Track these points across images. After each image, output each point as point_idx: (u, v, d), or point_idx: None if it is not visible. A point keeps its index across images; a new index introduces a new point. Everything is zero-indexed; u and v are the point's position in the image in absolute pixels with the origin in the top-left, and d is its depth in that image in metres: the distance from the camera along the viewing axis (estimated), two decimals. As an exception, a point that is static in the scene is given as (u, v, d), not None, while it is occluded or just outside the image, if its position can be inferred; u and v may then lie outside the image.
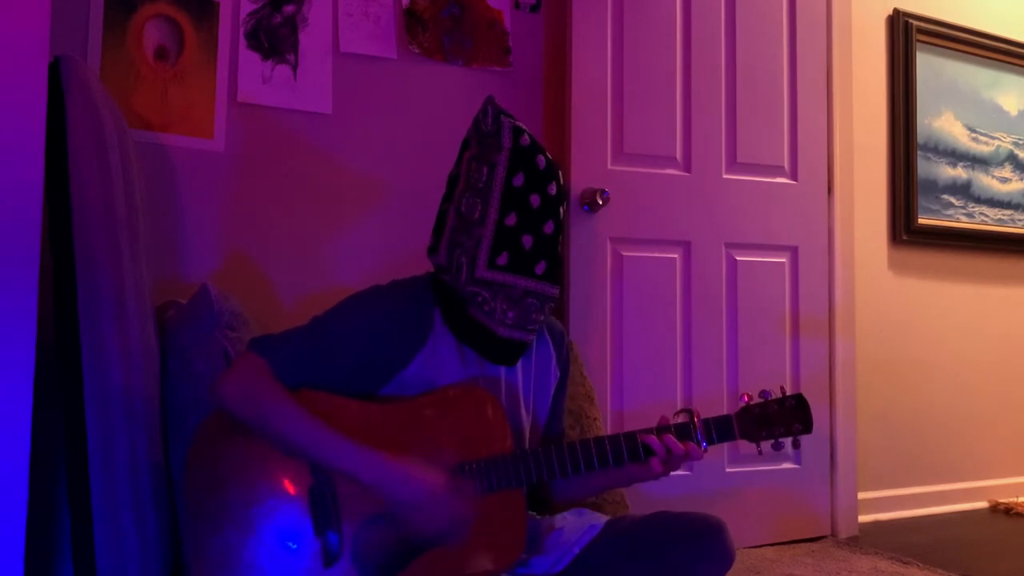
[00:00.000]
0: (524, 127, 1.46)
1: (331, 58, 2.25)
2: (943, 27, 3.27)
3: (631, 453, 1.39)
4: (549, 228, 1.43)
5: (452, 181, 1.50)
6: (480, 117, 1.46)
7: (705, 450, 1.42)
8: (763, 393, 1.46)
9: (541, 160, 1.43)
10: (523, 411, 1.50)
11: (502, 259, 1.40)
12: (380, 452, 1.30)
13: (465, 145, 1.50)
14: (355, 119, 2.28)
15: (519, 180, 1.41)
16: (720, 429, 1.43)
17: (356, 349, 1.38)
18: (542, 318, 1.46)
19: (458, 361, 1.43)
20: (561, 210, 1.47)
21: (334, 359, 1.37)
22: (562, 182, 1.47)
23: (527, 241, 1.41)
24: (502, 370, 1.47)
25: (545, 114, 2.51)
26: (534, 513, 1.55)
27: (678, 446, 1.38)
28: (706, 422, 1.42)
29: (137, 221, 1.61)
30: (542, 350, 1.56)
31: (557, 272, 1.45)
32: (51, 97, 1.36)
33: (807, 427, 1.44)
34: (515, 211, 1.40)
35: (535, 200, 1.42)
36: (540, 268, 1.42)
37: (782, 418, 1.44)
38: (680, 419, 1.43)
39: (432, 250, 1.48)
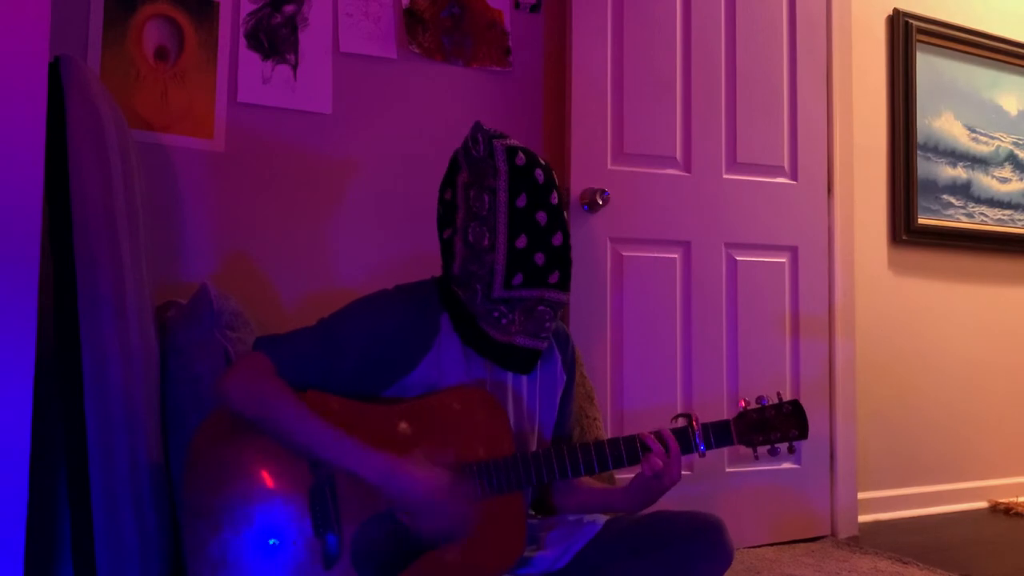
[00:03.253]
0: (516, 144, 1.44)
1: (331, 58, 2.25)
2: (943, 27, 3.27)
3: (630, 454, 1.40)
4: (558, 240, 1.43)
5: (449, 208, 1.47)
6: (470, 144, 1.44)
7: (703, 454, 1.43)
8: (760, 399, 1.47)
9: (539, 174, 1.43)
10: (527, 417, 1.50)
11: (517, 279, 1.40)
12: (383, 452, 1.30)
13: (454, 168, 1.47)
14: (355, 119, 2.28)
15: (522, 201, 1.41)
16: (718, 434, 1.43)
17: (360, 353, 1.38)
18: (553, 324, 1.46)
19: (463, 366, 1.44)
20: (565, 215, 1.46)
21: (338, 362, 1.38)
22: (558, 184, 1.47)
23: (539, 259, 1.41)
24: (509, 376, 1.48)
25: (545, 114, 2.51)
26: (534, 513, 1.55)
27: (674, 440, 1.40)
28: (704, 427, 1.43)
29: (137, 221, 1.61)
30: (546, 354, 1.55)
31: (569, 277, 1.46)
32: (51, 97, 1.35)
33: (803, 433, 1.45)
34: (524, 233, 1.40)
35: (542, 218, 1.42)
36: (554, 278, 1.43)
37: (779, 424, 1.45)
38: (679, 423, 1.44)
39: (445, 276, 1.48)
